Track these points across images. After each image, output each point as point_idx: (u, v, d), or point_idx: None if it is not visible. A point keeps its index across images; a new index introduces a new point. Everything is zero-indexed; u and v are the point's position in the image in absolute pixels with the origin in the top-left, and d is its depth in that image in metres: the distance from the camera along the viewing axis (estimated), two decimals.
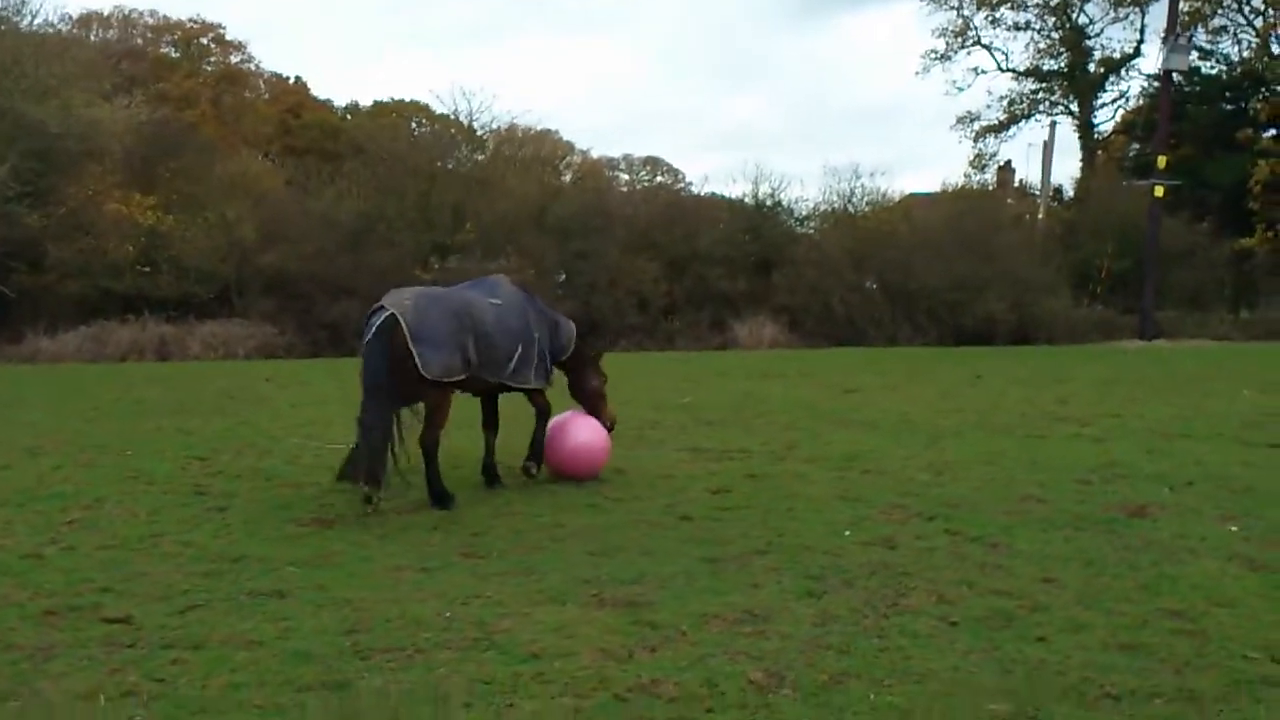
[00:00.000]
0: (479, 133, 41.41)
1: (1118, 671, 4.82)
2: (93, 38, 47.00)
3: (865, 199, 38.68)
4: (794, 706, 4.48)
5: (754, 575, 6.42)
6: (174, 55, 53.44)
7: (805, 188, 65.41)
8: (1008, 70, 54.75)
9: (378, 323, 8.41)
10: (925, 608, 5.77)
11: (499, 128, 42.14)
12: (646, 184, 55.13)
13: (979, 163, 55.66)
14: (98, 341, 28.67)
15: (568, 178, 50.62)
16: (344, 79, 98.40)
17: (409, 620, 5.56)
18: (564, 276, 33.71)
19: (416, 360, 8.21)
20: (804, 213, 38.87)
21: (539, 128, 50.89)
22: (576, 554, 6.95)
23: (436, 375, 8.31)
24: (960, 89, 69.17)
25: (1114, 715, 4.39)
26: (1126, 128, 52.66)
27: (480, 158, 40.68)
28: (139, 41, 52.23)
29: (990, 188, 50.34)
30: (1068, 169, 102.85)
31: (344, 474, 8.78)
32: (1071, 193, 50.33)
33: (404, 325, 8.25)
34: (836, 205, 38.69)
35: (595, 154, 61.13)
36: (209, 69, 54.45)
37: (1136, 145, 50.89)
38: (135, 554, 7.03)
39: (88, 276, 29.99)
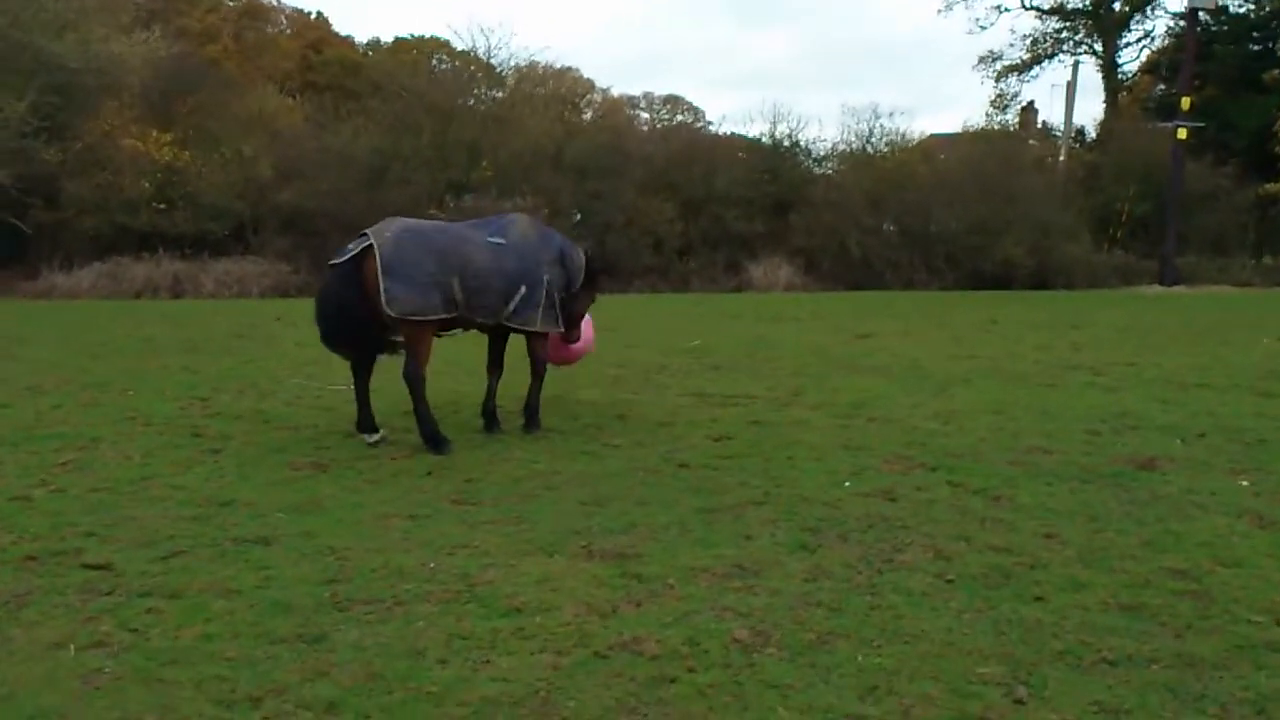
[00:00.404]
0: (498, 70, 40.97)
1: (1116, 634, 4.68)
2: None
3: (884, 140, 38.16)
4: (778, 666, 4.36)
5: (748, 527, 6.29)
6: None
7: (824, 127, 64.71)
8: (1031, 8, 53.63)
9: (353, 248, 8.27)
10: (921, 564, 5.63)
11: (518, 65, 41.63)
12: (666, 123, 54.50)
13: (1001, 103, 54.79)
14: (113, 278, 28.65)
15: (587, 116, 50.05)
16: (366, 15, 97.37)
17: (392, 570, 5.45)
18: (579, 216, 33.43)
19: (382, 294, 8.06)
20: (822, 153, 38.39)
21: (559, 65, 50.35)
22: (569, 503, 6.83)
23: (401, 312, 8.15)
24: (983, 27, 68.08)
25: (1109, 680, 4.25)
26: (1151, 68, 51.71)
27: (499, 95, 40.22)
28: None
29: (1012, 129, 49.56)
30: (1091, 110, 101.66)
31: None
32: (1094, 134, 49.52)
33: (377, 256, 8.10)
34: (855, 146, 38.19)
35: (615, 92, 60.56)
36: (230, 4, 53.96)
37: (1161, 86, 49.99)
38: (124, 497, 6.94)
39: (104, 213, 29.91)
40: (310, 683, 4.17)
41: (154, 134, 32.25)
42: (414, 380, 8.38)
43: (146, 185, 30.68)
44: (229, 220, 31.12)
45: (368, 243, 8.21)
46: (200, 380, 12.14)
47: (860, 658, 4.45)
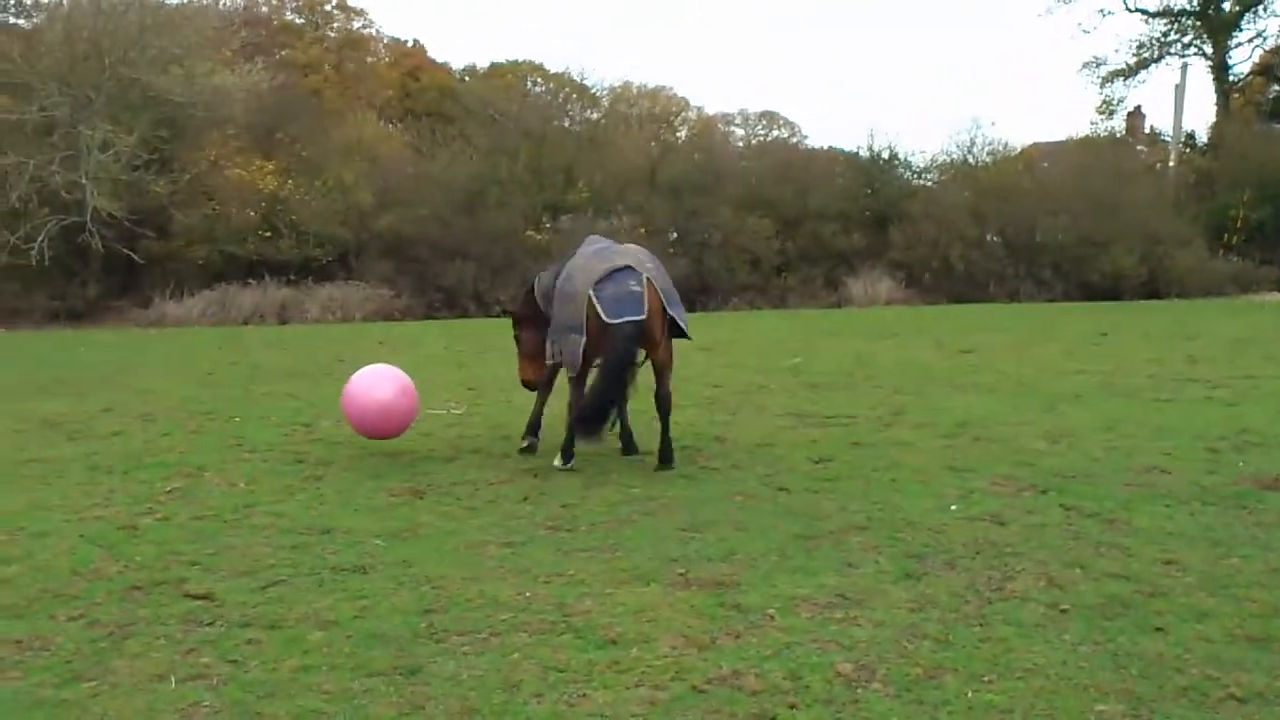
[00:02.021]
0: (592, 91, 41.28)
1: (1244, 669, 4.42)
2: (218, 5, 47.96)
3: (986, 149, 37.52)
4: (884, 702, 4.20)
5: (850, 554, 6.12)
6: (298, 22, 54.23)
7: (924, 139, 63.93)
8: (1136, 10, 52.35)
9: (636, 284, 8.23)
10: (1033, 593, 5.41)
11: (612, 85, 41.88)
12: (761, 139, 54.27)
13: (1106, 109, 53.50)
14: (221, 306, 29.38)
15: (682, 135, 50.11)
16: (462, 41, 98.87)
17: (487, 600, 5.40)
18: (676, 235, 33.42)
19: (680, 324, 8.53)
20: (922, 165, 37.88)
21: (653, 84, 50.53)
22: (666, 529, 6.72)
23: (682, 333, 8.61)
24: (1086, 31, 66.70)
25: (1237, 719, 4.01)
26: (1264, 69, 50.01)
27: (593, 116, 40.48)
28: (264, 9, 53.09)
29: (1119, 135, 48.35)
30: (1201, 114, 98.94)
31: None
32: (1205, 139, 48.09)
33: (657, 288, 8.32)
34: (955, 156, 37.64)
35: (710, 110, 60.53)
36: (332, 35, 55.17)
37: (1275, 87, 48.37)
38: (227, 526, 7.01)
39: (212, 242, 30.72)
40: (406, 717, 4.12)
41: (258, 163, 33.05)
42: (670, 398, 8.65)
43: (252, 214, 31.44)
44: (332, 247, 31.71)
45: (640, 275, 8.26)
46: (303, 406, 12.30)
47: (970, 693, 4.26)
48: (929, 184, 37.35)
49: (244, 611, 5.32)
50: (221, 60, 34.83)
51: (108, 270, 30.76)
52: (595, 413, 8.27)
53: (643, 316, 8.15)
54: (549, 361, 8.99)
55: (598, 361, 8.45)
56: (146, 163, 29.89)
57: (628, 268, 8.29)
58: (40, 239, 28.69)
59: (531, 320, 9.41)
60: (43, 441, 10.17)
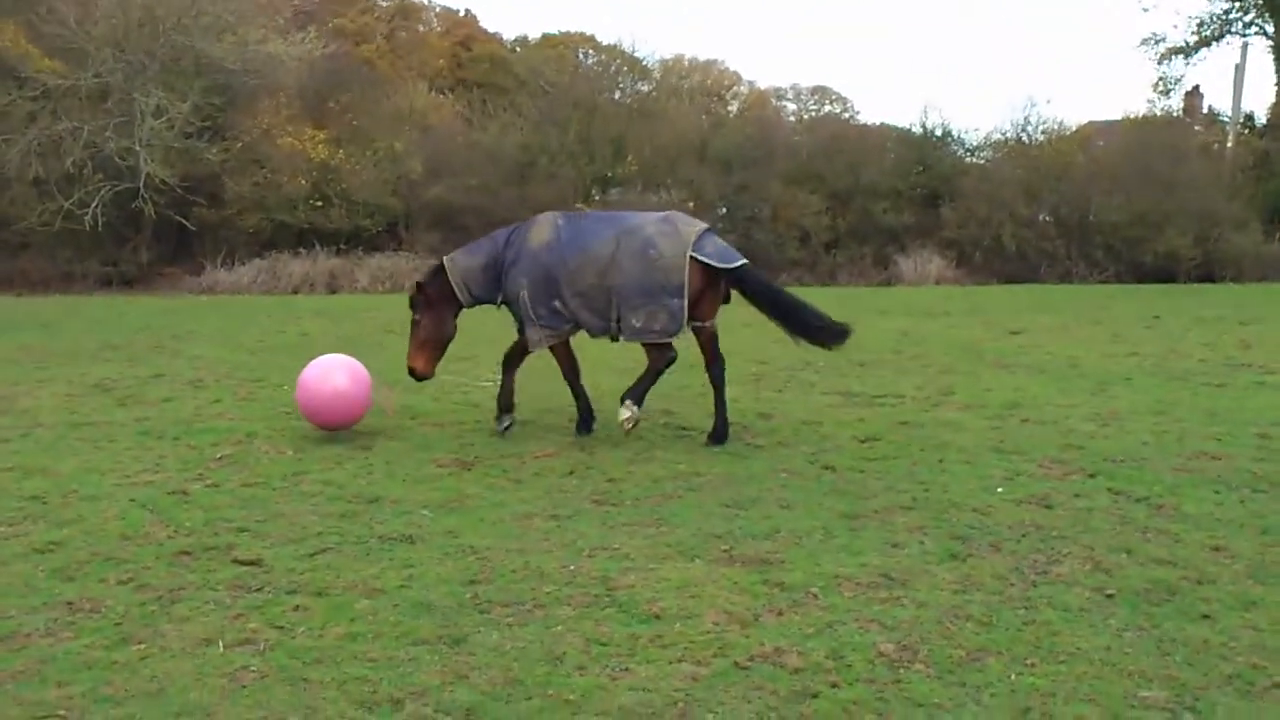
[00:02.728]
0: (644, 63, 41.12)
1: None
2: None
3: (1040, 127, 36.96)
4: (926, 684, 4.20)
5: (895, 534, 6.11)
6: None
7: (978, 116, 63.15)
8: None
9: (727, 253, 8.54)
10: (1079, 577, 5.38)
11: (664, 58, 41.72)
12: (813, 114, 53.88)
13: (1163, 88, 52.56)
14: (271, 274, 29.63)
15: (733, 108, 49.82)
16: (514, 11, 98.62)
17: (532, 572, 5.45)
18: (725, 210, 33.29)
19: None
20: (975, 142, 37.39)
21: (705, 58, 50.29)
22: (711, 505, 6.74)
23: None
24: (1145, 9, 65.53)
25: None
26: None
27: (644, 89, 40.34)
28: None
29: (1176, 115, 47.49)
30: (1261, 95, 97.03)
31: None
32: (1264, 120, 47.13)
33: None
34: (1009, 134, 37.09)
35: (762, 84, 60.11)
36: (384, 4, 55.25)
37: None
38: (276, 493, 7.11)
39: (263, 210, 30.97)
40: (450, 686, 4.17)
41: (310, 132, 33.23)
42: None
43: (303, 183, 31.64)
44: (382, 216, 31.89)
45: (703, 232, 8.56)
46: None
47: (1013, 676, 4.26)
48: (982, 162, 36.87)
49: (292, 578, 5.40)
50: (274, 28, 34.96)
51: (160, 237, 31.10)
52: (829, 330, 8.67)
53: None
54: (542, 345, 8.81)
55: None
56: (199, 130, 30.15)
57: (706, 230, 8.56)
58: (94, 204, 29.05)
59: (439, 304, 9.01)
60: (94, 406, 10.34)
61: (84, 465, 7.88)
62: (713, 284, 8.46)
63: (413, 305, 9.09)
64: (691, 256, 8.25)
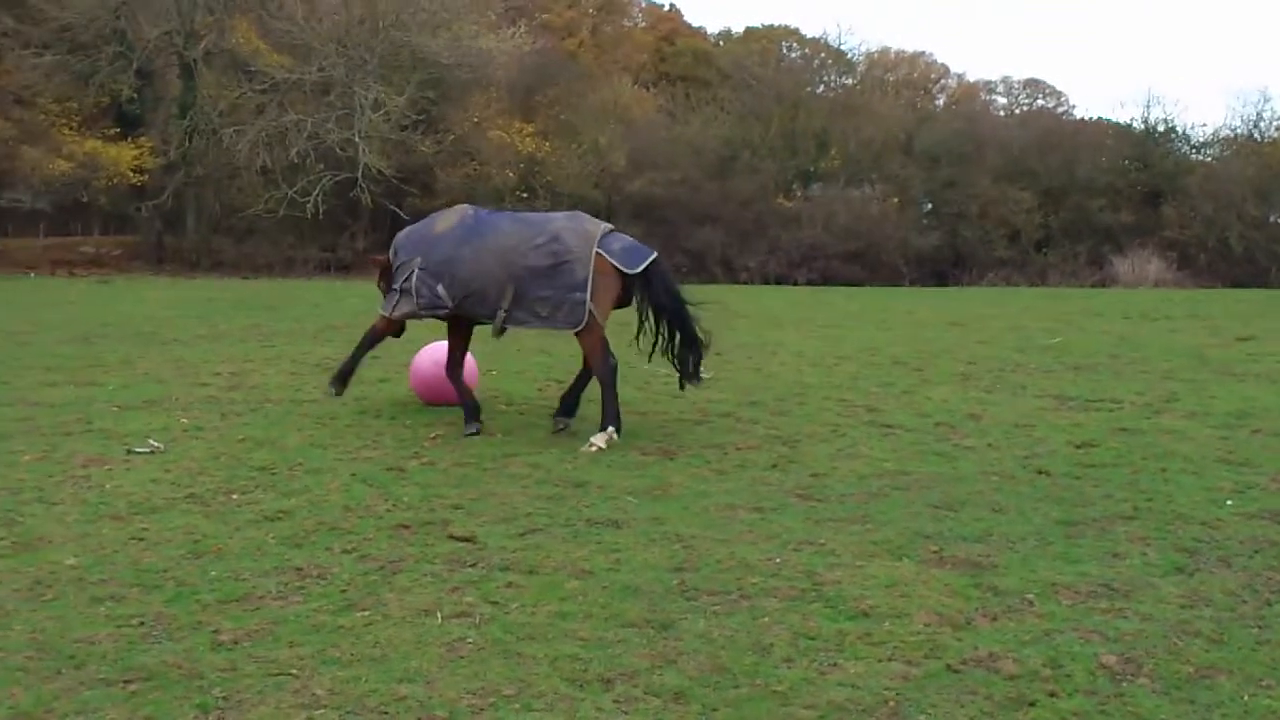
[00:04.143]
0: (848, 56, 40.65)
1: None
2: None
3: (1275, 123, 34.96)
4: (1150, 699, 4.01)
5: (1115, 543, 5.86)
6: None
7: (1203, 112, 60.15)
8: None
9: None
10: None
11: (869, 50, 41.14)
12: (1025, 108, 52.27)
13: None
14: None
15: (940, 102, 48.77)
16: (718, 5, 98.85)
17: (738, 563, 5.44)
18: (929, 206, 32.64)
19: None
20: (1201, 139, 35.65)
21: (911, 50, 49.38)
22: (919, 505, 6.60)
23: None
24: None
25: None
26: None
27: (849, 82, 39.89)
28: None
29: None
30: None
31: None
32: None
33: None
34: (1239, 131, 35.23)
35: (971, 77, 58.66)
36: None
37: None
38: (487, 473, 7.30)
39: (473, 201, 31.71)
40: (659, 670, 4.19)
41: (518, 125, 34.08)
42: None
43: (510, 174, 32.50)
44: (585, 209, 32.39)
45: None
46: (555, 363, 12.65)
47: (1246, 697, 4.02)
48: (1209, 159, 35.13)
49: (504, 556, 5.53)
50: (486, 23, 35.98)
51: (375, 225, 32.42)
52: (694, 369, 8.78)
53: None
54: (397, 316, 9.24)
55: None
56: (414, 122, 31.28)
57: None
58: (315, 193, 30.48)
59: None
60: (316, 384, 10.80)
61: (308, 440, 8.26)
62: (616, 282, 8.51)
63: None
64: (597, 253, 8.38)
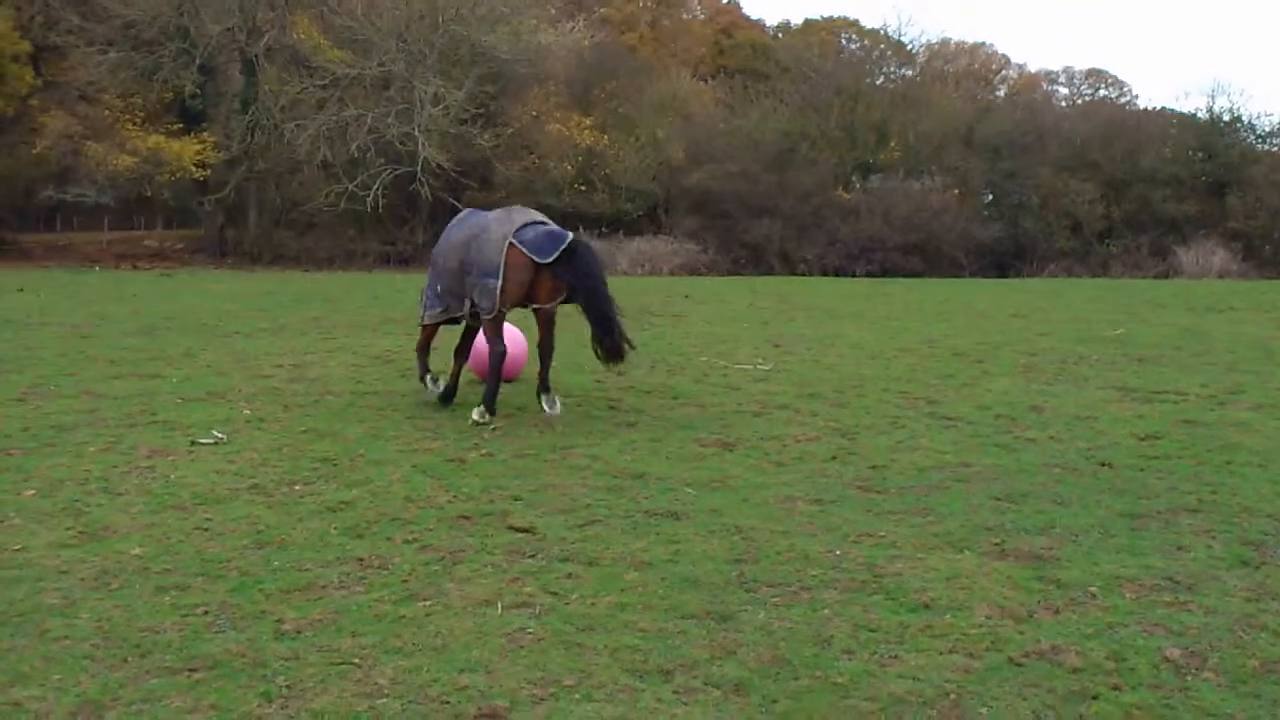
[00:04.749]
0: (908, 47, 40.34)
1: None
2: None
3: None
4: (1216, 693, 3.96)
5: (1180, 536, 5.78)
6: None
7: (1270, 101, 58.96)
8: None
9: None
10: None
11: (929, 41, 40.79)
12: (1087, 98, 51.55)
13: None
14: None
15: (1001, 93, 48.23)
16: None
17: (798, 555, 5.43)
18: (990, 197, 32.31)
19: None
20: (1267, 129, 34.96)
21: (971, 41, 48.89)
22: (980, 497, 6.55)
23: None
24: None
25: None
26: None
27: (908, 73, 39.57)
28: None
29: None
30: None
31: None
32: None
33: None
34: None
35: (1032, 67, 57.97)
36: None
37: None
38: (546, 465, 7.34)
39: (531, 194, 32.04)
40: (719, 661, 4.20)
41: (576, 118, 34.17)
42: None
43: (569, 168, 32.62)
44: (643, 201, 32.51)
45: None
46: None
47: None
48: (1275, 149, 34.46)
49: (564, 547, 5.56)
50: (545, 18, 36.10)
51: (434, 218, 32.64)
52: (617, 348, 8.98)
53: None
54: (426, 321, 9.74)
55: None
56: (473, 116, 31.46)
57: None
58: (375, 187, 30.77)
59: None
60: (377, 376, 10.93)
61: (369, 431, 8.35)
62: (538, 271, 8.80)
63: None
64: (510, 242, 8.70)
